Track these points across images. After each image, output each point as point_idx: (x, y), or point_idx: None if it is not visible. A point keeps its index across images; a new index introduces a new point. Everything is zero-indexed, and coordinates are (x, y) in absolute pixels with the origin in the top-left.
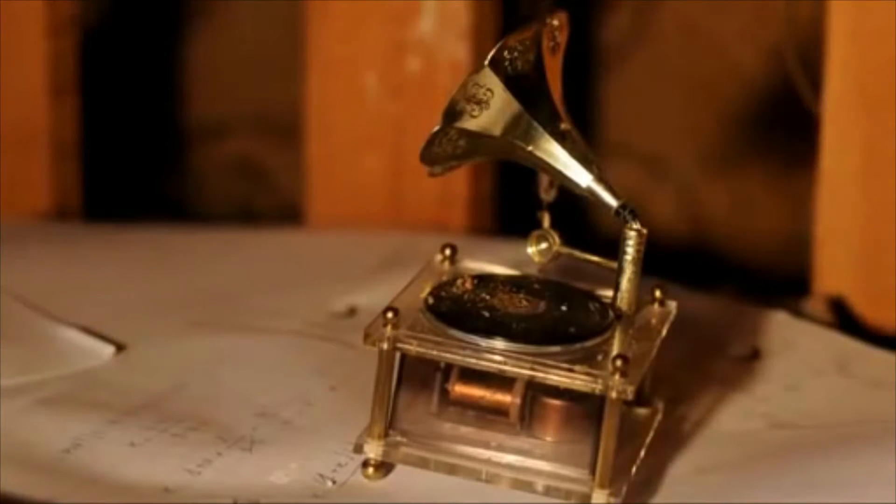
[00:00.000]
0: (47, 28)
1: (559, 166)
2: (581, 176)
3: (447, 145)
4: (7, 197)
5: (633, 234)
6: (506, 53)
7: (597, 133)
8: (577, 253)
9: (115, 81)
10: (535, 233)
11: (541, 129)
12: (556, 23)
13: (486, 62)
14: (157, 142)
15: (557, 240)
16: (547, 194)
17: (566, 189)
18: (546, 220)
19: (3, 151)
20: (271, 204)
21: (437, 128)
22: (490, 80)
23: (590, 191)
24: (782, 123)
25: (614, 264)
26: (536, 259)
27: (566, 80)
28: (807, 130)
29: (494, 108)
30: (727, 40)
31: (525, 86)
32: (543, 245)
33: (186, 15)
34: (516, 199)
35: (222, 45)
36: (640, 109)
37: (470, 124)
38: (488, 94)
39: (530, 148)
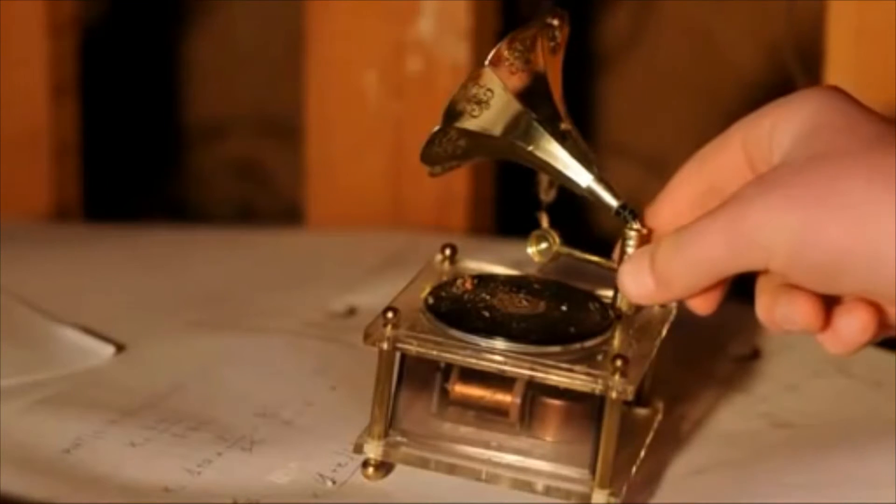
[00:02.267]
0: (47, 28)
1: (559, 166)
2: (581, 176)
3: (447, 145)
4: (7, 197)
5: (633, 234)
6: (506, 53)
7: (597, 133)
8: (577, 253)
9: (115, 81)
10: (535, 233)
11: (541, 129)
12: (556, 22)
13: (487, 62)
14: (157, 142)
15: (557, 240)
16: (546, 195)
17: (566, 189)
18: (545, 221)
19: (3, 151)
20: (271, 204)
21: (437, 128)
22: (490, 80)
23: (590, 191)
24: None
25: (614, 264)
26: (536, 259)
27: (566, 80)
28: None
29: (495, 108)
30: (727, 40)
31: (525, 86)
32: (543, 245)
33: (186, 15)
34: (516, 199)
35: (222, 45)
36: (640, 109)
37: (470, 124)
38: (489, 94)
39: (531, 148)
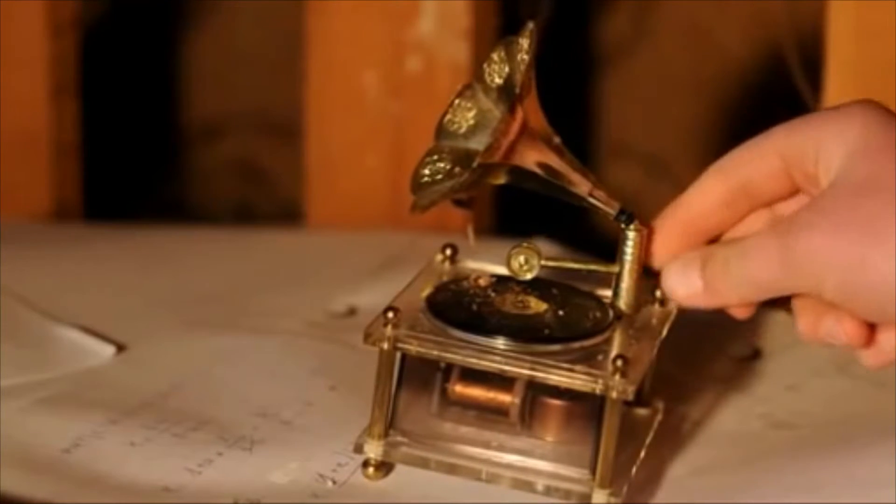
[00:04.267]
0: (47, 28)
1: (562, 182)
2: (582, 187)
3: (445, 181)
4: (7, 197)
5: (632, 234)
6: (494, 67)
7: (597, 133)
8: (568, 263)
9: (115, 81)
10: (514, 250)
11: (545, 147)
12: (531, 36)
13: (483, 82)
14: (157, 142)
15: (540, 253)
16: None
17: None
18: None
19: (3, 152)
20: (271, 204)
21: (444, 167)
22: (484, 102)
23: (590, 201)
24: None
25: (612, 268)
26: (522, 276)
27: (566, 81)
28: None
29: (496, 134)
30: (727, 40)
31: (522, 103)
32: (525, 262)
33: (186, 15)
34: (516, 199)
35: (222, 45)
36: (640, 109)
37: (467, 146)
38: (488, 115)
39: (533, 168)
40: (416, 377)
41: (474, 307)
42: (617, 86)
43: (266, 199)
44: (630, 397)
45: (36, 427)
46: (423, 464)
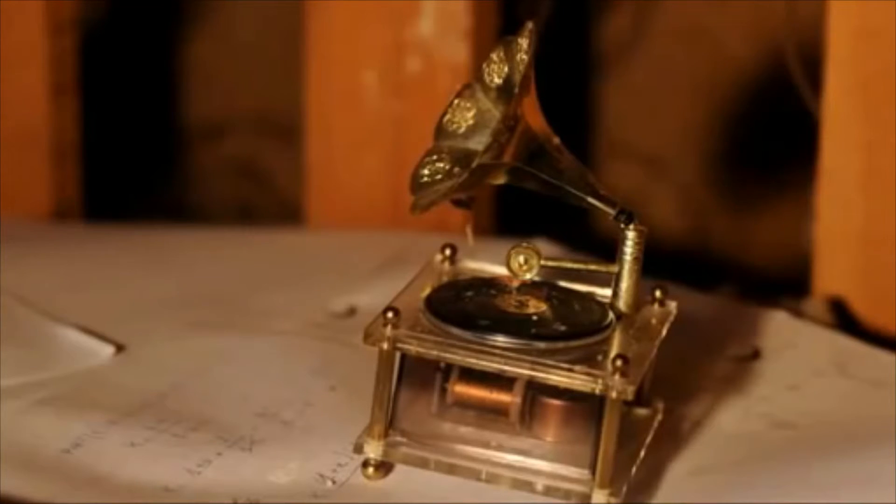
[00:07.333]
0: (47, 28)
1: (562, 182)
2: (582, 187)
3: (445, 181)
4: (7, 197)
5: (632, 233)
6: (493, 67)
7: (597, 133)
8: (567, 263)
9: (115, 81)
10: (513, 250)
11: (544, 147)
12: (530, 36)
13: (482, 82)
14: (157, 142)
15: (540, 253)
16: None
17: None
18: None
19: (3, 151)
20: (271, 204)
21: (443, 167)
22: (483, 102)
23: (589, 201)
24: (782, 123)
25: (612, 268)
26: (520, 276)
27: (566, 81)
28: (807, 130)
29: (497, 134)
30: (727, 40)
31: (521, 103)
32: (524, 262)
33: (186, 15)
34: (516, 199)
35: (222, 45)
36: (640, 109)
37: (470, 145)
38: (487, 115)
39: (533, 170)
40: (416, 377)
41: (474, 307)
42: (617, 86)
43: (266, 199)
44: (630, 397)
45: (36, 427)
46: (423, 464)
